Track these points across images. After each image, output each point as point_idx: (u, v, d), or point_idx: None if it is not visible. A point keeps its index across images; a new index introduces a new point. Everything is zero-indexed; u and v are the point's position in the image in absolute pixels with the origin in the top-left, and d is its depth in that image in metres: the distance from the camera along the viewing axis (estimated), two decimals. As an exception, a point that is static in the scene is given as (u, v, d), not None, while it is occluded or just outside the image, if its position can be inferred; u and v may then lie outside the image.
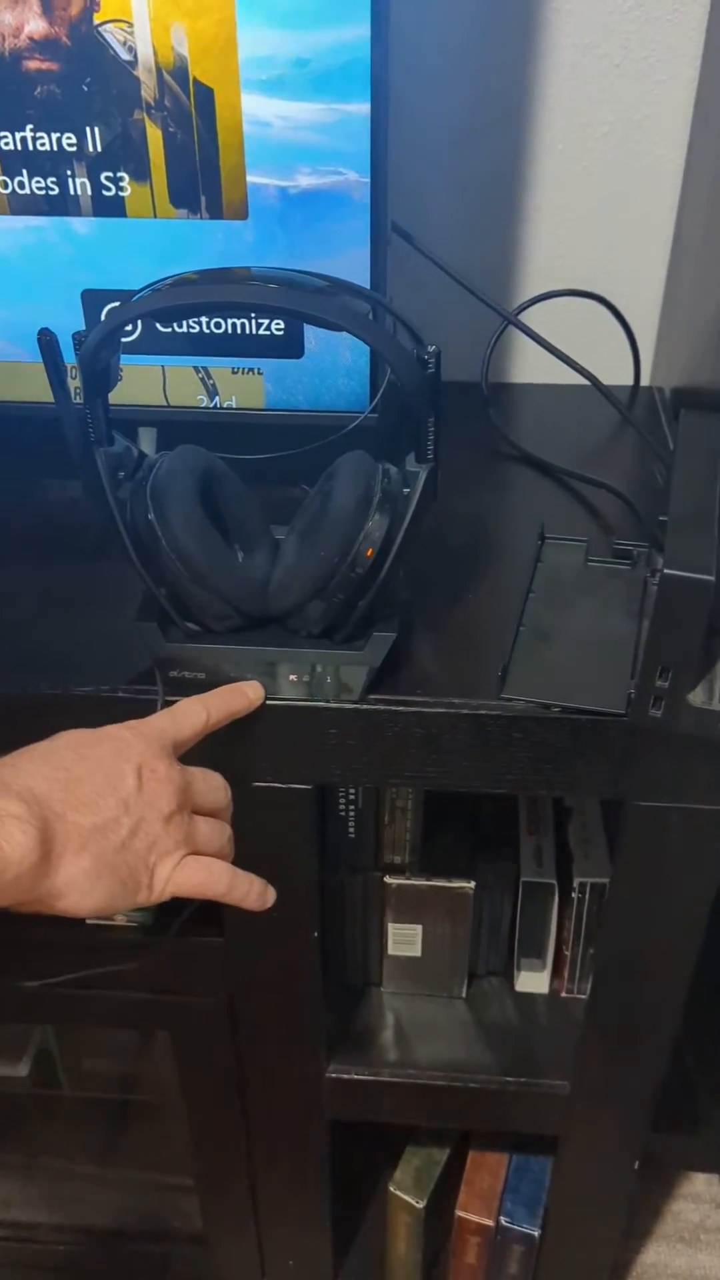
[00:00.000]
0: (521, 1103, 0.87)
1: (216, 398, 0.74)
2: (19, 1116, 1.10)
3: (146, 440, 0.65)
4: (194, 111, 0.63)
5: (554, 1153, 0.95)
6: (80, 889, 0.50)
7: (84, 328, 0.70)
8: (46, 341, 0.57)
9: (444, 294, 0.84)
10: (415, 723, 0.64)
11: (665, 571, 0.54)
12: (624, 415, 0.90)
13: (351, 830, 0.82)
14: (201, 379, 0.73)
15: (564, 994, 0.90)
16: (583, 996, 0.89)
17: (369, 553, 0.59)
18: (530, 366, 0.98)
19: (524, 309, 0.89)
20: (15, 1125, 1.12)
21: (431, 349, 0.55)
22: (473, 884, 0.83)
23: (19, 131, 0.64)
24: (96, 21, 0.60)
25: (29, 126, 0.64)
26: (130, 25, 0.60)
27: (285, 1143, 0.93)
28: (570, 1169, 0.93)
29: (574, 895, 0.83)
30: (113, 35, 0.61)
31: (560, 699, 0.62)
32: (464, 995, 0.91)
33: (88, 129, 0.64)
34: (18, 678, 0.65)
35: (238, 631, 0.63)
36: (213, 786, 0.59)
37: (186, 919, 0.75)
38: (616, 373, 0.93)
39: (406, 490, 0.59)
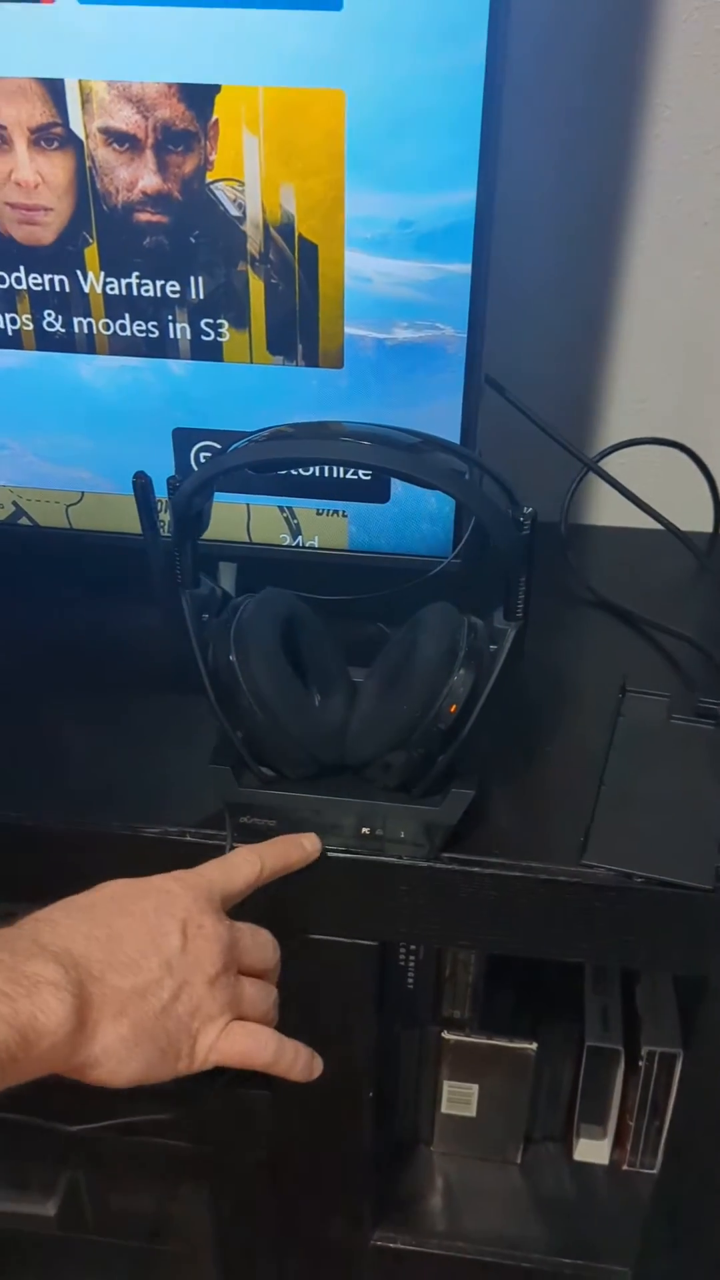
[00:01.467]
0: (578, 1287, 0.81)
1: (300, 537, 0.74)
2: (45, 1258, 1.05)
3: (226, 575, 0.65)
4: (297, 266, 0.64)
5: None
6: (117, 1057, 0.48)
7: (174, 463, 0.71)
8: (141, 485, 0.58)
9: (525, 435, 0.84)
10: (490, 885, 0.61)
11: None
12: (702, 563, 0.89)
13: (410, 981, 0.79)
14: (286, 518, 0.73)
15: (625, 1167, 0.86)
16: (647, 1171, 0.84)
17: (452, 709, 0.58)
18: (609, 510, 0.97)
19: (604, 456, 0.89)
20: (41, 1267, 1.06)
21: (527, 510, 0.55)
22: (535, 1045, 0.80)
23: (125, 278, 0.66)
24: (209, 179, 0.62)
25: (135, 274, 0.65)
26: (241, 184, 0.62)
27: (322, 1310, 0.88)
28: None
29: (640, 1064, 0.79)
30: (223, 192, 0.62)
31: (645, 869, 0.60)
32: (519, 1161, 0.86)
33: (192, 278, 0.65)
34: (86, 813, 0.64)
35: (312, 779, 0.62)
36: (260, 944, 0.56)
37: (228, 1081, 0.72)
38: (696, 519, 0.92)
39: (494, 647, 0.58)
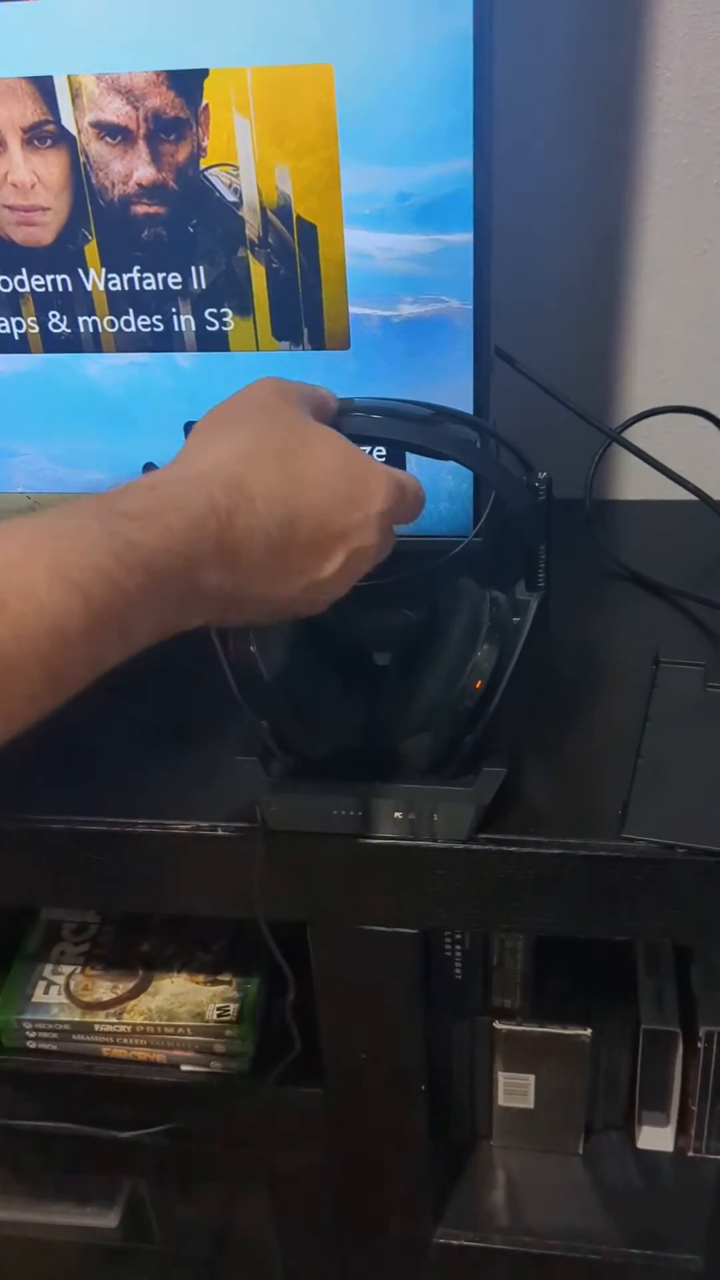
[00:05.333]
0: (649, 1278, 0.79)
1: (317, 525, 0.73)
2: (109, 1270, 1.05)
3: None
4: (297, 247, 0.63)
5: (684, 1333, 0.87)
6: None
7: (186, 459, 0.71)
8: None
9: (544, 413, 0.83)
10: (528, 864, 0.60)
11: None
12: (735, 531, 0.87)
13: (458, 971, 0.77)
14: (302, 506, 0.72)
15: (691, 1153, 0.83)
16: (713, 1156, 0.82)
17: (478, 684, 0.56)
18: (633, 483, 0.96)
19: (627, 426, 0.87)
20: (105, 1278, 1.06)
21: (542, 476, 0.53)
22: (589, 1031, 0.78)
23: (126, 273, 0.65)
24: (203, 166, 0.62)
25: (136, 268, 0.65)
26: (236, 168, 0.61)
27: (389, 1312, 0.86)
28: None
29: (699, 1045, 0.77)
30: (219, 178, 0.62)
31: (686, 839, 0.58)
32: (580, 1151, 0.84)
33: (193, 268, 0.65)
34: (114, 811, 0.63)
35: (340, 766, 0.61)
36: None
37: (286, 1067, 0.71)
38: (723, 488, 0.90)
39: (517, 619, 0.57)
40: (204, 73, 0.59)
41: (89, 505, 0.41)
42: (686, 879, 0.59)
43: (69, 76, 0.60)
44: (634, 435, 0.87)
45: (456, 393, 0.66)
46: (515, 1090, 0.82)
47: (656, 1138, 0.84)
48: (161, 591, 0.41)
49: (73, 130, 0.62)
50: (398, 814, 0.60)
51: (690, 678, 0.70)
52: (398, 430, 0.53)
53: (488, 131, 0.59)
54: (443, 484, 0.71)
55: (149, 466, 0.57)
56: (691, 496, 0.85)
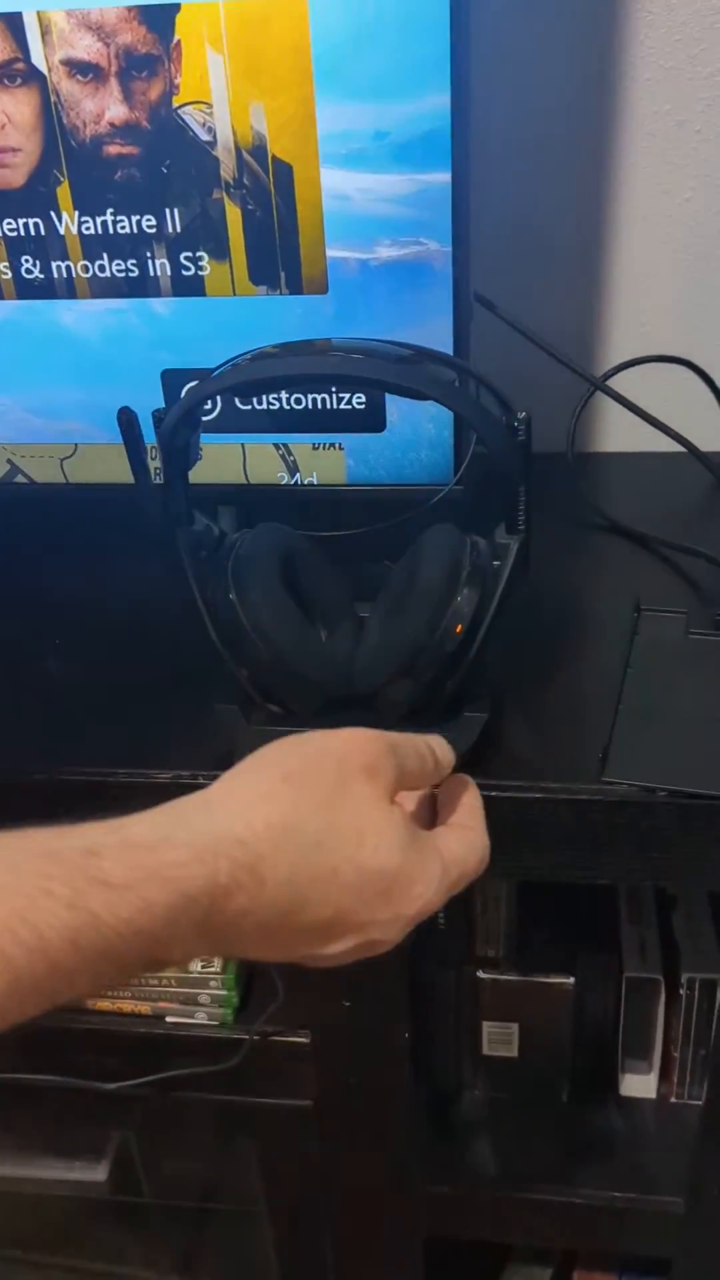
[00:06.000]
0: (632, 1221, 0.80)
1: (298, 474, 0.72)
2: (98, 1222, 1.06)
3: (226, 519, 0.63)
4: (273, 189, 0.62)
5: (666, 1274, 0.88)
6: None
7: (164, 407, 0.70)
8: (127, 420, 0.56)
9: (526, 363, 0.82)
10: (510, 809, 0.60)
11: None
12: (719, 479, 0.86)
13: (441, 921, 0.78)
14: (282, 456, 0.72)
15: (673, 1099, 0.84)
16: (694, 1102, 0.83)
17: (458, 629, 0.56)
18: (614, 435, 0.95)
19: (610, 376, 0.86)
20: (94, 1232, 1.07)
21: (521, 415, 0.53)
22: (572, 979, 0.78)
23: (100, 216, 0.64)
24: (176, 104, 0.61)
25: (109, 210, 0.64)
26: (209, 106, 0.60)
27: (376, 1259, 0.87)
28: (686, 1294, 0.86)
29: (682, 992, 0.78)
30: (192, 117, 0.61)
31: (666, 782, 0.58)
32: (564, 1099, 0.85)
33: (167, 210, 0.64)
34: (96, 763, 0.63)
35: (322, 713, 0.61)
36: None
37: (270, 1017, 0.71)
38: (704, 438, 0.89)
39: (497, 563, 0.57)
40: (175, 7, 0.58)
41: (66, 853, 0.38)
42: (667, 822, 0.59)
43: (38, 12, 0.59)
44: (615, 386, 0.86)
45: (436, 337, 0.66)
46: (500, 1039, 0.82)
47: (639, 1085, 0.85)
48: (111, 968, 0.37)
49: (43, 68, 0.60)
50: (379, 760, 0.60)
51: (672, 625, 0.69)
52: (377, 370, 0.52)
53: (465, 65, 0.58)
54: (424, 432, 0.70)
55: (125, 412, 0.56)
56: (672, 447, 0.85)
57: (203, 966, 0.75)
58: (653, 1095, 0.85)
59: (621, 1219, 0.80)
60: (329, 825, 0.43)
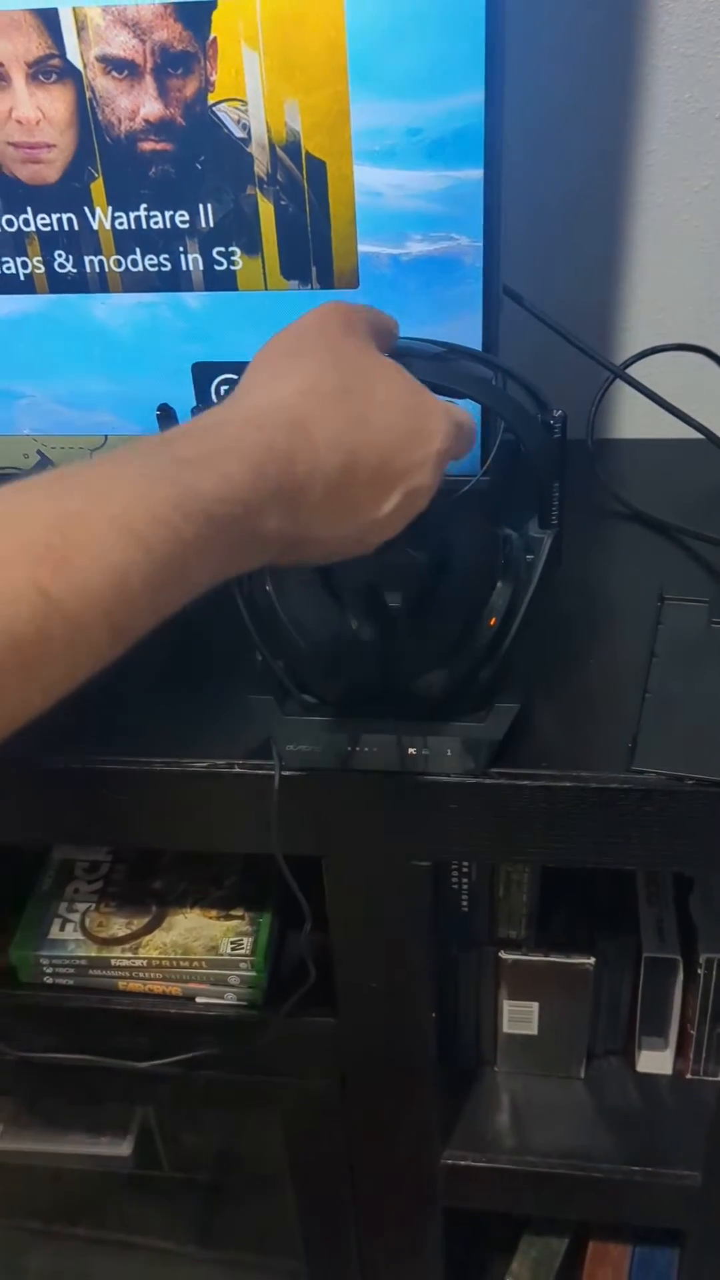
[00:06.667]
0: (648, 1194, 0.82)
1: (325, 466, 0.73)
2: (121, 1195, 1.08)
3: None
4: (306, 185, 0.63)
5: (680, 1245, 0.90)
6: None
7: (195, 400, 0.71)
8: (164, 417, 0.57)
9: (545, 352, 0.83)
10: (541, 798, 0.61)
11: None
12: (737, 469, 0.87)
13: (465, 904, 0.79)
14: (311, 447, 0.72)
15: (689, 1075, 0.86)
16: (710, 1079, 0.84)
17: (492, 622, 0.57)
18: (634, 423, 0.96)
19: (630, 364, 0.87)
20: (117, 1204, 1.09)
21: (557, 413, 0.54)
22: (592, 960, 0.80)
23: (133, 211, 0.65)
24: (211, 101, 0.61)
25: (143, 206, 0.64)
26: (244, 104, 0.61)
27: (397, 1230, 0.89)
28: (700, 1264, 0.88)
29: (699, 971, 0.79)
30: (227, 114, 0.61)
31: (694, 770, 0.60)
32: (582, 1076, 0.87)
33: (200, 206, 0.64)
34: (129, 752, 0.64)
35: (355, 704, 0.62)
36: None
37: (299, 999, 0.73)
38: (724, 427, 0.90)
39: (530, 557, 0.58)
40: (212, 4, 0.58)
41: (146, 451, 0.41)
42: (695, 809, 0.60)
43: (74, 9, 0.59)
44: (634, 374, 0.87)
45: (466, 331, 0.66)
46: (520, 1017, 0.84)
47: (656, 1061, 0.86)
48: (220, 539, 0.40)
49: (78, 65, 0.61)
50: (411, 750, 0.61)
51: (695, 614, 0.71)
52: (413, 369, 0.53)
53: (499, 63, 0.59)
54: (450, 424, 0.71)
55: (164, 409, 0.57)
56: (692, 434, 0.86)
57: (233, 949, 0.76)
58: (669, 1072, 0.86)
59: (637, 1192, 0.82)
60: (344, 376, 0.46)
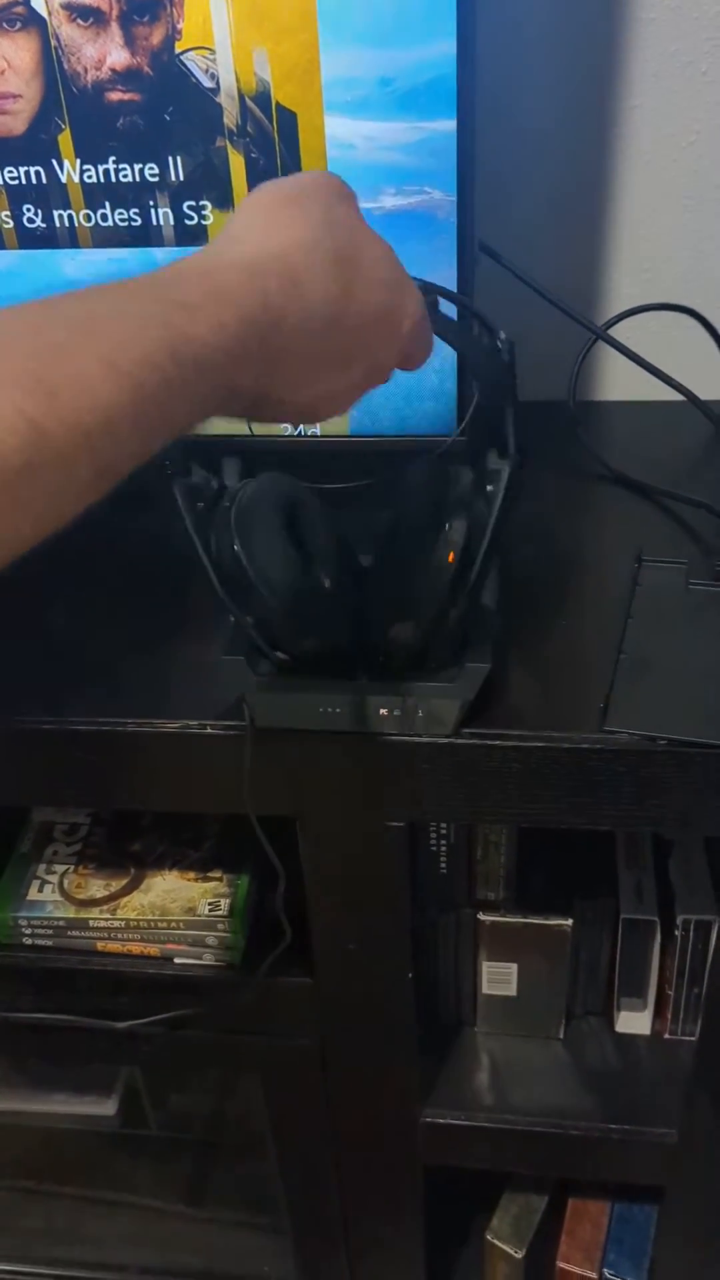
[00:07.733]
0: (626, 1151, 0.83)
1: (301, 426, 0.72)
2: (108, 1155, 1.09)
3: (230, 470, 0.64)
4: (277, 136, 0.62)
5: (659, 1201, 0.91)
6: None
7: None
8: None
9: (528, 312, 0.82)
10: (513, 758, 0.61)
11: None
12: (719, 429, 0.86)
13: (443, 866, 0.79)
14: (285, 407, 0.72)
15: (667, 1035, 0.86)
16: (688, 1038, 0.85)
17: (450, 557, 0.56)
18: (617, 384, 0.95)
19: (613, 324, 0.86)
20: (104, 1164, 1.10)
21: (503, 336, 0.53)
22: (570, 921, 0.80)
23: (101, 164, 0.64)
24: (178, 50, 0.60)
25: (111, 159, 0.63)
26: (212, 52, 0.60)
27: (379, 1188, 0.90)
28: (677, 1220, 0.89)
29: (677, 933, 0.80)
30: (195, 63, 0.60)
31: (667, 731, 0.59)
32: (561, 1036, 0.88)
33: (170, 158, 0.63)
34: (103, 713, 0.64)
35: (326, 662, 0.61)
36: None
37: (276, 959, 0.73)
38: (708, 387, 0.89)
39: (489, 488, 0.57)
40: (178, -51, 0.57)
41: (142, 288, 0.40)
42: (667, 770, 0.60)
43: (37, -47, 0.58)
44: (617, 335, 0.86)
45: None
46: (499, 979, 0.84)
47: (634, 1021, 0.87)
48: (205, 386, 0.40)
49: (43, 12, 0.60)
50: (384, 710, 0.61)
51: (673, 575, 0.70)
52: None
53: (471, 11, 0.58)
54: (426, 383, 0.70)
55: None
56: (673, 396, 0.85)
57: (210, 910, 0.77)
58: (647, 1031, 0.87)
59: (616, 1150, 0.83)
60: (338, 244, 0.46)
